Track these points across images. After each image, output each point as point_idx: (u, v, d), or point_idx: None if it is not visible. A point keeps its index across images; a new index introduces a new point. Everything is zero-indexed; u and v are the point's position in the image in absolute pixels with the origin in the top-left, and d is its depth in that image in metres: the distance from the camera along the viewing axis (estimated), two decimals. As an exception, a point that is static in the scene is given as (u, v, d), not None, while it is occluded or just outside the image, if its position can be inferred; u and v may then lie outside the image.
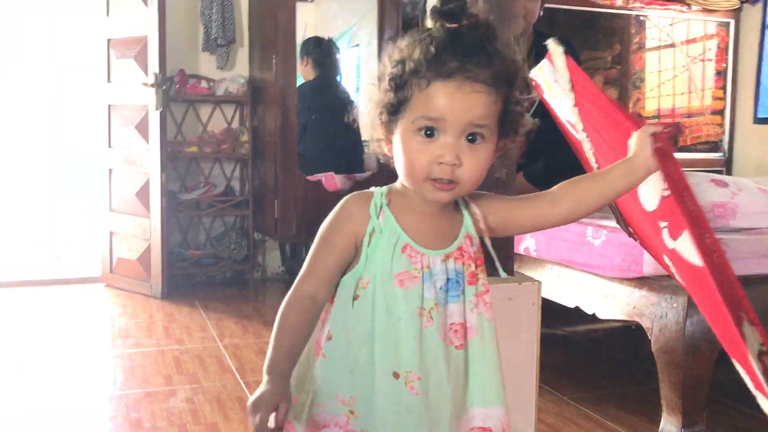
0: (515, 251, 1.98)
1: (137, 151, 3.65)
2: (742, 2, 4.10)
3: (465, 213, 1.05)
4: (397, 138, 0.99)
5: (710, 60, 4.20)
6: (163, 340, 2.89)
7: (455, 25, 0.97)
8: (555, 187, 1.07)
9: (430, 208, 1.02)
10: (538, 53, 1.81)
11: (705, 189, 1.88)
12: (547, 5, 3.68)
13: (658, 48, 4.12)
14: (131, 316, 3.27)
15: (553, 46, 1.43)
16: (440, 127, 0.94)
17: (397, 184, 1.04)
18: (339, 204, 1.04)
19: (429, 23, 1.00)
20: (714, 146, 4.25)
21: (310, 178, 3.75)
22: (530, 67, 1.60)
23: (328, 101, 4.02)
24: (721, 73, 4.23)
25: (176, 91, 3.81)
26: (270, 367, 0.96)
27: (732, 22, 4.16)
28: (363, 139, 4.46)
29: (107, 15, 3.74)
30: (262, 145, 3.87)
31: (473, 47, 0.95)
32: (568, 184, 1.06)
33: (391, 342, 0.98)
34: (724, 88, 4.24)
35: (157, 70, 3.49)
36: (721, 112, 4.25)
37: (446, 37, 0.96)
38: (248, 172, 4.00)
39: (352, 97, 4.35)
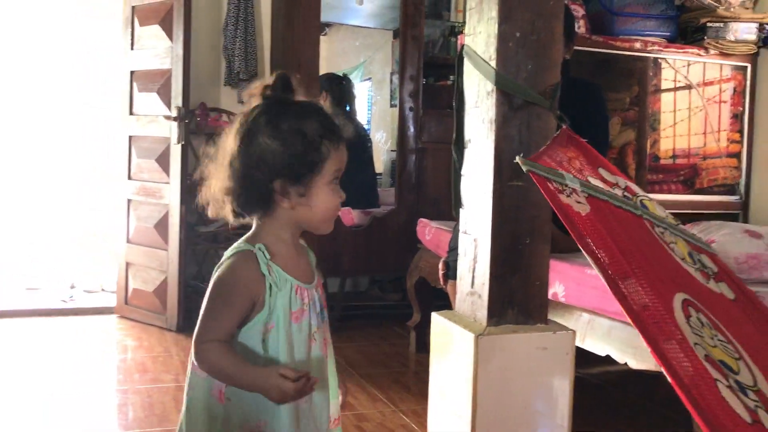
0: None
1: (157, 183, 3.66)
2: (758, 47, 4.13)
3: (310, 253, 1.32)
4: (316, 190, 1.19)
5: (725, 102, 4.22)
6: (181, 375, 2.87)
7: (292, 96, 1.24)
8: None
9: (296, 250, 1.25)
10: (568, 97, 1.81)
11: (739, 240, 1.88)
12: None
13: (675, 89, 4.14)
14: (147, 349, 3.25)
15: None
16: (338, 176, 1.22)
17: (267, 234, 1.22)
18: (229, 268, 1.19)
19: (266, 95, 1.22)
20: (731, 189, 4.25)
21: (328, 213, 3.75)
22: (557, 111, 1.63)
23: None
24: (737, 116, 4.24)
25: (197, 124, 3.83)
26: (248, 385, 1.14)
27: (749, 66, 4.18)
28: (378, 173, 4.48)
29: (131, 48, 3.78)
30: (281, 179, 3.88)
31: (333, 114, 1.25)
32: None
33: (290, 363, 1.18)
34: (740, 131, 4.25)
35: (180, 103, 3.52)
36: (737, 155, 4.26)
37: (319, 106, 1.23)
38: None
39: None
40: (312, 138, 1.17)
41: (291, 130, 1.17)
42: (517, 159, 1.42)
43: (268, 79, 1.23)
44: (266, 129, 1.17)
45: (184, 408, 1.23)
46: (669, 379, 0.95)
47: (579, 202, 1.29)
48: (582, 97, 1.83)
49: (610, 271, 1.11)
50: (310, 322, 1.22)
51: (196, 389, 1.21)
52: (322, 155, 1.18)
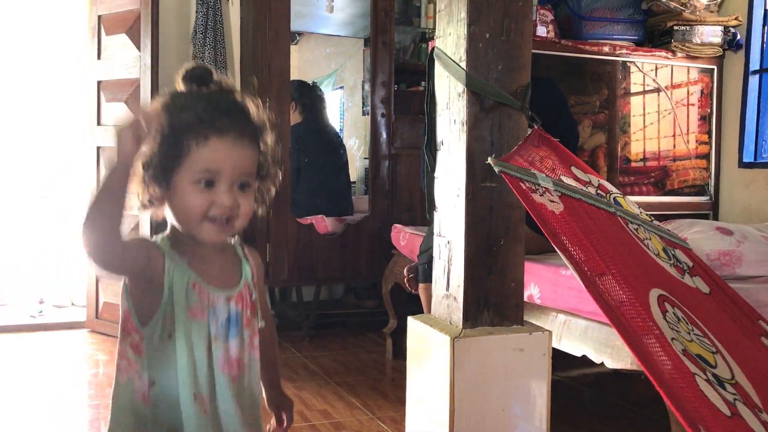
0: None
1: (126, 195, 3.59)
2: (724, 50, 4.19)
3: (245, 263, 1.19)
4: (174, 189, 1.08)
5: (693, 105, 4.28)
6: (153, 388, 2.81)
7: (206, 89, 1.12)
8: None
9: (208, 252, 1.13)
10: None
11: (711, 237, 1.89)
12: (534, 51, 3.74)
13: (643, 93, 4.18)
14: (119, 363, 3.19)
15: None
16: (217, 178, 1.07)
17: (170, 233, 1.12)
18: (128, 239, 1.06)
19: (180, 87, 1.13)
20: (701, 190, 4.30)
21: (301, 220, 3.73)
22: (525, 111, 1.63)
23: (318, 145, 4.03)
24: (705, 118, 4.30)
25: (167, 133, 3.78)
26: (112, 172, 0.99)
27: (715, 69, 4.24)
28: (353, 181, 4.46)
29: (98, 58, 3.72)
30: (253, 188, 3.84)
31: (234, 106, 1.12)
32: None
33: (190, 367, 1.08)
34: (708, 132, 4.30)
35: (148, 113, 3.47)
36: (706, 156, 4.31)
37: (209, 97, 1.11)
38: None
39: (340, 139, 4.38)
40: (175, 130, 1.06)
41: (163, 122, 1.07)
42: (489, 160, 1.41)
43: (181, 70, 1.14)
44: None
45: (110, 417, 1.14)
46: (647, 374, 0.95)
47: (552, 201, 1.28)
48: (542, 94, 1.83)
49: (585, 268, 1.10)
50: (208, 329, 1.10)
51: (120, 396, 1.12)
52: (182, 150, 1.06)
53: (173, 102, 1.10)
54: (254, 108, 1.15)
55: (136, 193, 1.10)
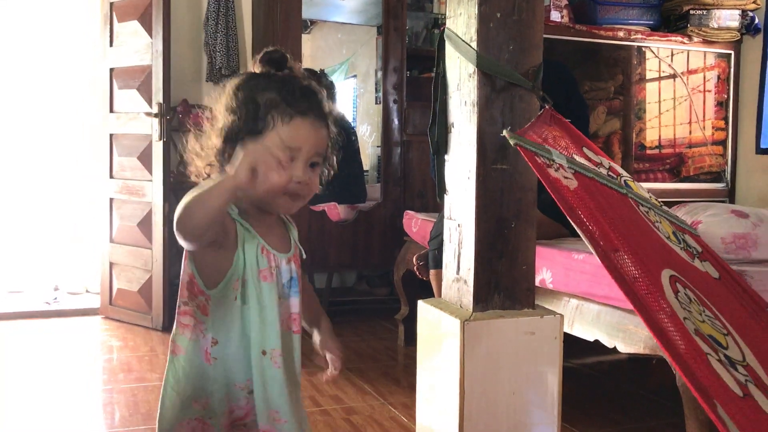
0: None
1: (139, 181, 3.61)
2: (742, 34, 4.13)
3: (290, 227, 1.29)
4: (252, 158, 1.11)
5: (710, 91, 4.22)
6: (166, 374, 2.82)
7: (282, 72, 1.23)
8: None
9: (267, 219, 1.22)
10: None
11: (726, 220, 1.86)
12: (548, 36, 3.70)
13: (659, 79, 4.13)
14: (132, 349, 3.21)
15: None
16: (296, 155, 1.16)
17: (236, 202, 1.17)
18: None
19: (257, 68, 1.23)
20: (717, 176, 4.25)
21: (313, 207, 3.72)
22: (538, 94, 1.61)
23: (331, 131, 4.01)
24: (721, 104, 4.24)
25: (179, 120, 3.78)
26: (222, 189, 1.06)
27: (732, 53, 4.18)
28: (365, 169, 4.45)
29: (110, 45, 3.72)
30: (265, 175, 3.84)
31: (312, 91, 1.22)
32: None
33: (261, 326, 1.17)
34: (725, 119, 4.25)
35: (161, 100, 3.47)
36: (723, 143, 4.26)
37: (291, 81, 1.21)
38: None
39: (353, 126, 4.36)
40: (261, 107, 1.15)
41: (245, 98, 1.17)
42: (505, 132, 1.39)
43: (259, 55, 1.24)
44: (232, 96, 1.18)
45: (166, 373, 1.21)
46: (663, 350, 0.93)
47: (566, 177, 1.26)
48: (552, 77, 1.81)
49: (601, 243, 1.08)
50: (277, 289, 1.20)
51: (186, 352, 1.19)
52: (266, 125, 1.15)
53: (256, 81, 1.19)
54: (324, 95, 1.25)
55: (204, 166, 1.21)
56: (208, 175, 1.21)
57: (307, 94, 1.20)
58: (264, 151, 1.14)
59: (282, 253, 1.22)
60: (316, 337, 1.38)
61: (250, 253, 1.17)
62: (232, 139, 1.17)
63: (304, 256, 1.29)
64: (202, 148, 1.21)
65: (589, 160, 1.47)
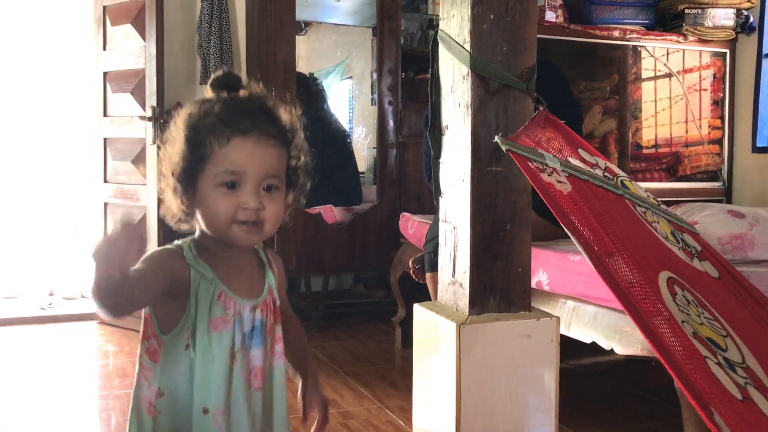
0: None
1: (133, 186, 3.59)
2: (737, 33, 4.13)
3: (268, 270, 1.17)
4: (200, 193, 1.06)
5: (706, 90, 4.21)
6: (162, 379, 2.81)
7: (234, 94, 1.11)
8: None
9: (235, 259, 1.11)
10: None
11: (722, 220, 1.85)
12: (543, 36, 3.69)
13: (655, 78, 4.13)
14: (128, 354, 3.19)
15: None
16: (241, 179, 1.05)
17: (199, 239, 1.11)
18: (148, 257, 1.04)
19: (208, 94, 1.12)
20: (713, 175, 4.24)
21: (309, 210, 3.71)
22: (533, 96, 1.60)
23: (322, 134, 3.99)
24: (717, 103, 4.23)
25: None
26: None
27: (727, 52, 4.18)
28: (360, 171, 4.44)
29: (104, 49, 3.71)
30: (261, 178, 3.83)
31: (260, 109, 1.10)
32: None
33: (206, 381, 1.06)
34: (721, 117, 4.24)
35: (154, 103, 3.45)
36: (719, 142, 4.25)
37: (234, 101, 1.09)
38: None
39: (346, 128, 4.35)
40: (198, 135, 1.05)
41: (188, 125, 1.07)
42: (497, 138, 1.38)
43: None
44: (176, 128, 1.08)
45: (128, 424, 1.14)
46: (658, 356, 0.92)
47: (560, 182, 1.25)
48: (542, 76, 1.79)
49: (595, 248, 1.07)
50: (233, 339, 1.08)
51: (133, 402, 1.11)
52: (204, 152, 1.05)
53: (199, 109, 1.09)
54: (286, 113, 1.13)
55: (167, 209, 1.11)
56: (180, 217, 1.11)
57: (251, 112, 1.08)
58: (206, 183, 1.05)
59: (247, 298, 1.11)
60: (301, 386, 1.27)
61: (204, 300, 1.06)
62: (178, 172, 1.07)
63: (278, 303, 1.17)
64: (163, 189, 1.11)
65: (584, 161, 1.46)
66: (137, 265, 0.98)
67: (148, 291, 1.01)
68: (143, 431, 1.09)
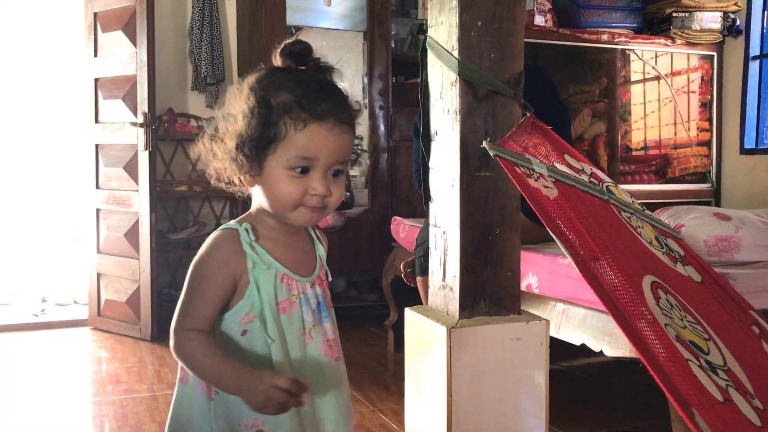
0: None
1: (126, 192, 3.60)
2: (724, 36, 4.17)
3: (318, 244, 1.19)
4: (267, 172, 1.06)
5: (694, 92, 4.25)
6: (155, 384, 2.81)
7: (304, 67, 1.10)
8: None
9: (291, 238, 1.13)
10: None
11: (708, 223, 1.88)
12: (532, 40, 3.72)
13: (643, 81, 4.16)
14: (121, 360, 3.19)
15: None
16: (312, 165, 1.05)
17: (256, 215, 1.12)
18: (207, 245, 1.09)
19: (278, 62, 1.11)
20: (702, 177, 4.28)
21: (301, 215, 3.72)
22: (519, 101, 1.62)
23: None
24: (705, 105, 4.27)
25: (165, 130, 3.78)
26: (230, 385, 1.03)
27: (715, 55, 4.22)
28: (352, 175, 4.45)
29: (95, 55, 3.71)
30: (253, 183, 3.84)
31: (334, 90, 1.08)
32: None
33: (284, 360, 1.08)
34: (709, 119, 4.28)
35: (146, 109, 3.46)
36: (707, 144, 4.29)
37: (308, 78, 1.07)
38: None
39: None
40: (274, 111, 1.03)
41: (259, 100, 1.04)
42: (484, 144, 1.40)
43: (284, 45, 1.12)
44: (246, 96, 1.06)
45: (171, 409, 1.17)
46: (641, 358, 0.94)
47: (547, 187, 1.27)
48: (529, 81, 1.81)
49: (581, 252, 1.09)
50: (302, 317, 1.11)
51: (190, 382, 1.13)
52: (277, 133, 1.03)
53: (271, 79, 1.07)
54: (346, 94, 1.11)
55: (218, 171, 1.09)
56: (229, 180, 1.10)
57: (328, 95, 1.06)
58: (275, 164, 1.05)
59: (304, 277, 1.13)
60: None
61: (267, 285, 1.08)
62: (245, 146, 1.05)
63: (330, 278, 1.20)
64: (218, 151, 1.09)
65: (570, 167, 1.48)
66: (204, 285, 1.06)
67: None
68: (204, 414, 1.11)
